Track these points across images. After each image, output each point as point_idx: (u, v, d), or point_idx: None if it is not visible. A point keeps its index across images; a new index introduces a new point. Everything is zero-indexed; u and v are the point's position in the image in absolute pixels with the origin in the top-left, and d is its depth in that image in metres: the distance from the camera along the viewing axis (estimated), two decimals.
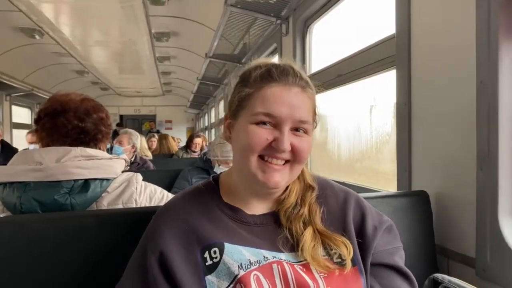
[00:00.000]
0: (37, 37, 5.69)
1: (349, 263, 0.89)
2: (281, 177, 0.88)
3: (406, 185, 1.65)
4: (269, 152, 0.87)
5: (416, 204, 1.45)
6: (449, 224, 1.43)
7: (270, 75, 0.90)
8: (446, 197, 1.44)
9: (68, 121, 1.33)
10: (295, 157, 0.88)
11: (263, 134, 0.87)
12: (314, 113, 0.94)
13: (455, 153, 1.40)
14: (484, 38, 1.24)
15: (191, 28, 5.44)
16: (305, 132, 0.90)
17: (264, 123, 0.87)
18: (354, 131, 2.54)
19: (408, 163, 1.64)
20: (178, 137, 7.24)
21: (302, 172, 1.00)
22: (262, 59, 0.96)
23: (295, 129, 0.88)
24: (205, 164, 2.83)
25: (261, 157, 0.88)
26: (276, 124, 0.87)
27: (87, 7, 4.85)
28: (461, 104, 1.36)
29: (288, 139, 0.86)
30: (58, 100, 1.38)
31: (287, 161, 0.89)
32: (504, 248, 1.19)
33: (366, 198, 1.11)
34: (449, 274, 1.38)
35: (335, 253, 0.90)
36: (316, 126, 0.97)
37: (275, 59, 3.99)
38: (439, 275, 1.13)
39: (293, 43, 3.19)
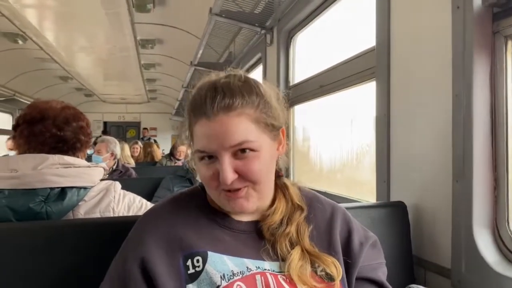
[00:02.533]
0: (20, 42, 5.61)
1: (338, 284, 0.87)
2: (247, 201, 0.86)
3: (385, 196, 1.67)
4: (222, 186, 0.84)
5: (394, 214, 1.47)
6: (426, 235, 1.45)
7: (194, 109, 0.87)
8: (423, 208, 1.46)
9: (46, 129, 1.32)
10: (247, 180, 0.85)
11: (208, 171, 0.85)
12: (263, 123, 0.87)
13: (432, 165, 1.42)
14: (459, 52, 1.27)
15: (177, 36, 5.44)
16: (252, 149, 0.84)
17: (208, 157, 0.85)
18: (336, 141, 2.56)
19: (387, 174, 1.65)
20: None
21: (289, 192, 0.98)
22: (201, 83, 0.91)
23: (241, 151, 0.83)
24: (187, 173, 2.81)
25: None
26: (215, 157, 0.84)
27: (72, 13, 4.82)
28: (438, 117, 1.38)
29: (229, 170, 0.82)
30: (38, 107, 1.36)
31: (245, 186, 0.86)
32: (478, 260, 1.21)
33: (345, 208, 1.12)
34: (425, 285, 1.40)
35: (319, 266, 0.89)
36: (281, 127, 0.92)
37: (259, 70, 4.02)
38: (414, 286, 1.14)
39: (277, 53, 3.21)
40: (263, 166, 0.86)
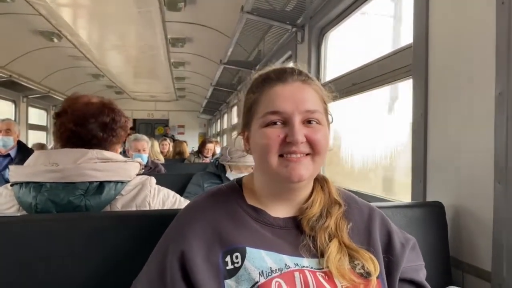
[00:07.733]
0: (55, 40, 5.77)
1: (374, 280, 0.88)
2: (304, 169, 0.88)
3: (420, 196, 1.63)
4: (286, 148, 0.87)
5: (431, 215, 1.43)
6: (465, 236, 1.41)
7: (269, 77, 0.93)
8: (461, 209, 1.42)
9: (64, 123, 1.36)
10: (312, 148, 0.88)
11: (275, 132, 0.88)
12: (325, 104, 0.95)
13: (471, 165, 1.38)
14: (503, 50, 1.22)
15: (207, 35, 5.47)
16: (318, 122, 0.90)
17: (274, 123, 0.88)
18: (369, 140, 2.52)
19: (423, 174, 1.62)
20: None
21: (328, 185, 1.00)
22: (262, 70, 0.99)
23: (308, 122, 0.89)
24: (217, 169, 2.82)
25: (280, 155, 0.88)
26: (286, 121, 0.88)
27: (105, 12, 4.93)
28: (479, 116, 1.34)
29: (300, 130, 0.87)
30: (65, 102, 1.42)
31: (307, 154, 0.89)
32: None
33: (380, 207, 1.11)
34: (464, 287, 1.36)
35: (358, 263, 0.89)
36: (332, 120, 0.97)
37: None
38: None
39: (308, 51, 3.19)
40: (325, 140, 0.91)
